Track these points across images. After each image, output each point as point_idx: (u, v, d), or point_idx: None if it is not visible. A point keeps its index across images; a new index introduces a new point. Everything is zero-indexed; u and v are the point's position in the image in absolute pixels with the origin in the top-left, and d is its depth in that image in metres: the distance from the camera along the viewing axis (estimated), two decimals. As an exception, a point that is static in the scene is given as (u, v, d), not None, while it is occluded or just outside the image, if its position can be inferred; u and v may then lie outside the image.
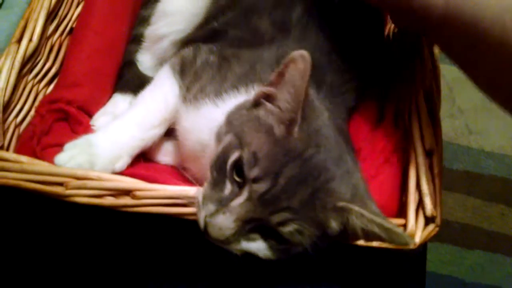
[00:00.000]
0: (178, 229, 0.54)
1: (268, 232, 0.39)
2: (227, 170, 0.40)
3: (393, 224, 0.37)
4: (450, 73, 1.75)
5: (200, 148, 0.51)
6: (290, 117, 0.39)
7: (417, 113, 0.55)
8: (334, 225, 0.38)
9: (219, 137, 0.44)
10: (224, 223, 0.38)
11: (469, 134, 1.64)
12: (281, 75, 0.40)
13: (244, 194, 0.38)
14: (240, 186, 0.39)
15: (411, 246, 0.37)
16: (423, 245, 0.62)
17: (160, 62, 0.68)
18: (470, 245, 1.41)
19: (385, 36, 0.73)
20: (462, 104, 1.68)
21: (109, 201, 0.46)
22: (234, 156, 0.40)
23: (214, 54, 0.55)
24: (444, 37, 0.38)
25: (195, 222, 0.46)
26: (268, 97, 0.42)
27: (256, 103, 0.43)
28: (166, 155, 0.60)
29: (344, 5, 0.61)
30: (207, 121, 0.49)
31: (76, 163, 0.50)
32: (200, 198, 0.41)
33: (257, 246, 0.40)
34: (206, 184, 0.42)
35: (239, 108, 0.45)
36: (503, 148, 1.63)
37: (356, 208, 0.37)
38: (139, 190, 0.45)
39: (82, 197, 0.46)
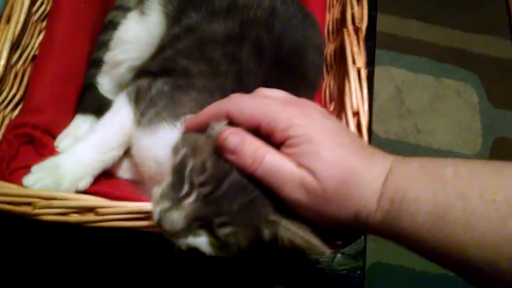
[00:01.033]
0: (139, 241, 0.60)
1: (212, 231, 0.45)
2: (185, 176, 0.45)
3: (314, 237, 0.42)
4: (399, 76, 1.87)
5: (156, 166, 0.56)
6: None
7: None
8: (266, 233, 0.44)
9: (176, 150, 0.49)
10: (176, 218, 0.44)
11: (418, 133, 1.75)
12: None
13: (193, 196, 0.44)
14: (191, 189, 0.45)
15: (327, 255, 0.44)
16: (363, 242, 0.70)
17: (119, 85, 0.73)
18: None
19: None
20: (410, 105, 1.79)
21: (74, 218, 0.50)
22: (190, 165, 0.45)
23: (169, 84, 0.61)
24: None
25: (152, 233, 0.52)
26: None
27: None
28: (126, 172, 0.65)
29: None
30: (163, 142, 0.54)
31: (43, 184, 0.54)
32: (158, 195, 0.46)
33: (201, 241, 0.46)
34: (165, 184, 0.47)
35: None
36: (449, 145, 1.75)
37: (283, 222, 0.43)
38: (101, 207, 0.49)
39: (49, 215, 0.50)
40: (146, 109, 0.59)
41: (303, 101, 0.46)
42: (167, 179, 0.47)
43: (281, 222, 0.43)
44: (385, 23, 1.92)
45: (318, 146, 0.40)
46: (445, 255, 0.37)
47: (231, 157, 0.43)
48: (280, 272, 0.65)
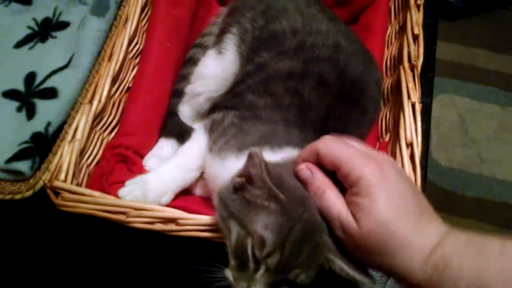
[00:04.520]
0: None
1: (288, 281, 0.51)
2: (249, 256, 0.50)
3: (358, 273, 0.49)
4: (463, 105, 1.86)
5: None
6: (270, 194, 0.50)
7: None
8: (325, 265, 0.51)
9: (223, 221, 0.53)
10: None
11: (481, 163, 1.72)
12: (246, 167, 0.52)
13: (263, 268, 0.50)
14: (258, 262, 0.51)
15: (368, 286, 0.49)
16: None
17: (197, 113, 0.83)
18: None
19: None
20: (474, 134, 1.77)
21: (159, 227, 0.58)
22: (249, 246, 0.50)
23: (237, 117, 0.69)
24: None
25: (221, 243, 0.58)
26: (248, 181, 0.52)
27: (236, 188, 0.53)
28: (200, 189, 0.74)
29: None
30: (229, 170, 0.58)
31: (133, 196, 0.64)
32: (231, 279, 0.53)
33: None
34: (232, 267, 0.53)
35: (227, 192, 0.55)
36: (515, 176, 1.70)
37: (338, 262, 0.49)
38: (181, 219, 0.58)
39: (139, 223, 0.58)
40: (218, 138, 0.67)
41: (384, 158, 0.50)
42: (231, 262, 0.53)
43: (336, 261, 0.50)
44: (450, 52, 1.92)
45: (375, 205, 0.45)
46: None
47: (304, 184, 0.52)
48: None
